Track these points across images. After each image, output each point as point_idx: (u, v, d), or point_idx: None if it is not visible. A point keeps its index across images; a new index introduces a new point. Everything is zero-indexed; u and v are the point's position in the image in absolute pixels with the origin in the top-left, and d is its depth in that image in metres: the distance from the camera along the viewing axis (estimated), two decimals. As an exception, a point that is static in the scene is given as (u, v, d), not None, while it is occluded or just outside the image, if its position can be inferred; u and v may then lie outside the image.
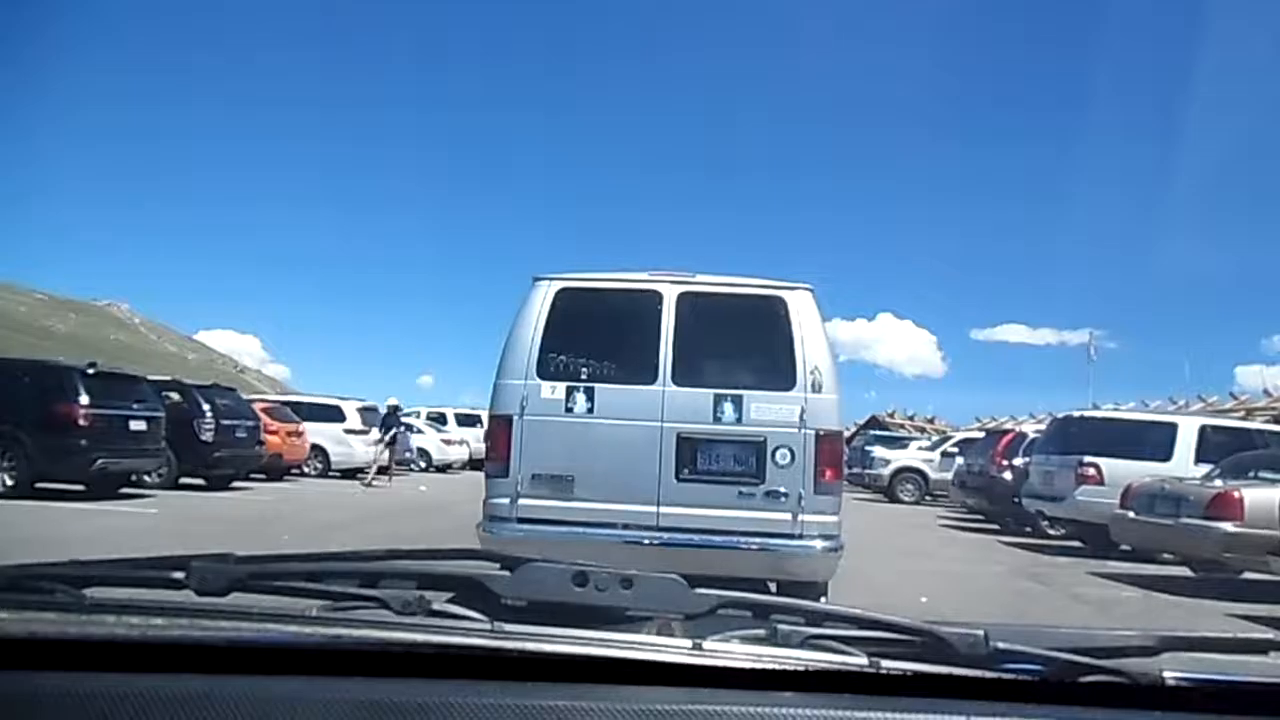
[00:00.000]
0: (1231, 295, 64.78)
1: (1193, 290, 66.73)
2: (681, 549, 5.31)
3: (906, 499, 21.46)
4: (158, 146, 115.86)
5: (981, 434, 20.50)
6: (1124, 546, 10.66)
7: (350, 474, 19.69)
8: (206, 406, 14.22)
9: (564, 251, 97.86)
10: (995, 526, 15.35)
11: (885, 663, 1.01)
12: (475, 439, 26.86)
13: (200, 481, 14.62)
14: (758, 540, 5.42)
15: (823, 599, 5.34)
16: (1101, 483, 11.76)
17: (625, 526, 5.40)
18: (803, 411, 5.51)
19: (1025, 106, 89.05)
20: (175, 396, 14.42)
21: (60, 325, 70.41)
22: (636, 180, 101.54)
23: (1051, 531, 13.65)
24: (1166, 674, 1.05)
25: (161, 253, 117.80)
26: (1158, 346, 58.86)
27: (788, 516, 5.44)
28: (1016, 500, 13.71)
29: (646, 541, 5.35)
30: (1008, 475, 14.69)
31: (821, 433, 5.51)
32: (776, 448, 5.52)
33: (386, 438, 18.70)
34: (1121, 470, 11.53)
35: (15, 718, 0.92)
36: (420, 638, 0.99)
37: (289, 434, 17.23)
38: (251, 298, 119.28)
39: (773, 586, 5.60)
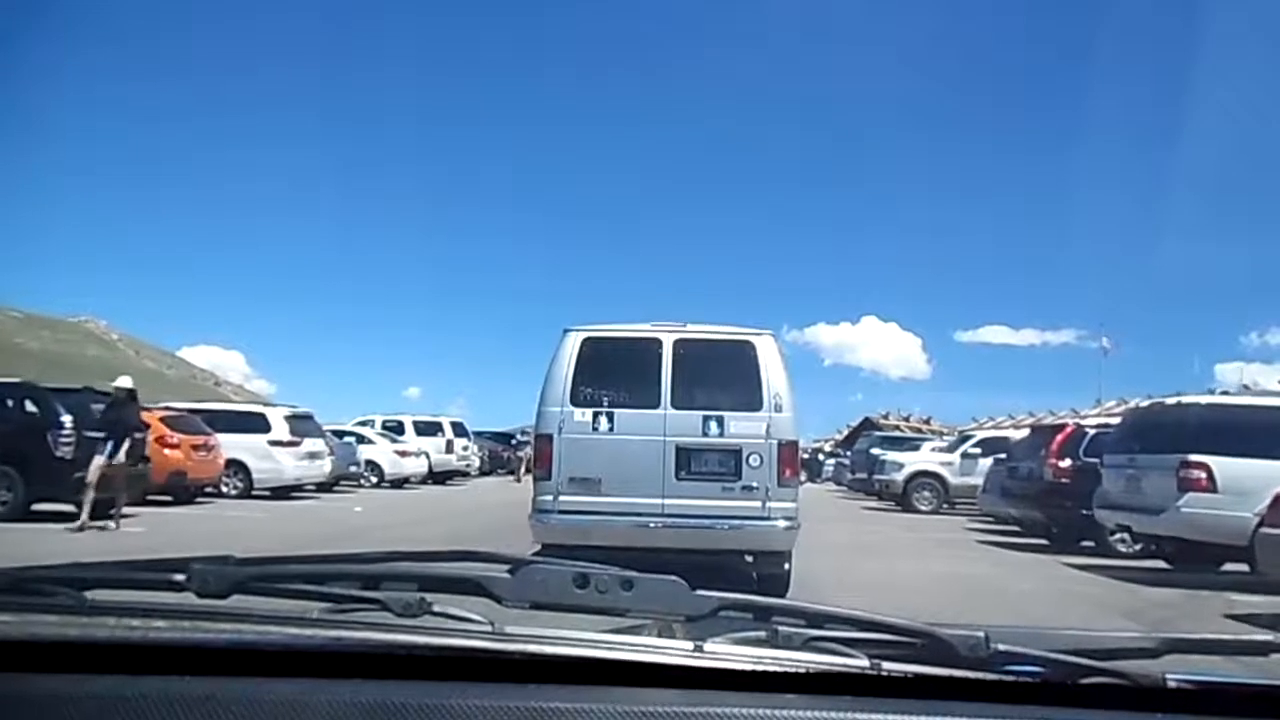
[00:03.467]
0: (1213, 293, 63.10)
1: (1174, 289, 65.67)
2: (681, 529, 7.04)
3: (923, 508, 18.56)
4: (143, 157, 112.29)
5: (1024, 431, 17.33)
6: (1229, 566, 9.29)
7: (281, 493, 16.15)
8: (67, 417, 10.74)
9: (557, 261, 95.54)
10: (1042, 541, 13.40)
11: (886, 664, 1.03)
12: (436, 450, 23.43)
13: (70, 508, 12.01)
14: (737, 521, 7.12)
15: (786, 566, 7.30)
16: (1214, 489, 9.43)
17: (639, 514, 7.09)
18: (768, 427, 7.18)
19: (1007, 109, 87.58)
20: (27, 404, 10.88)
21: (33, 343, 67.77)
22: (621, 191, 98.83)
23: (1121, 548, 11.69)
24: (1168, 676, 1.05)
25: (145, 269, 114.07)
26: (1141, 345, 56.80)
27: (758, 504, 7.11)
28: (1086, 512, 11.60)
29: (651, 525, 7.06)
30: (1066, 480, 12.63)
31: (782, 442, 7.20)
32: (749, 454, 7.17)
33: (109, 446, 11.45)
34: (1239, 472, 9.26)
35: None
36: (421, 640, 1.01)
37: (195, 447, 13.84)
38: (236, 313, 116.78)
39: (749, 559, 7.41)
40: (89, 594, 1.11)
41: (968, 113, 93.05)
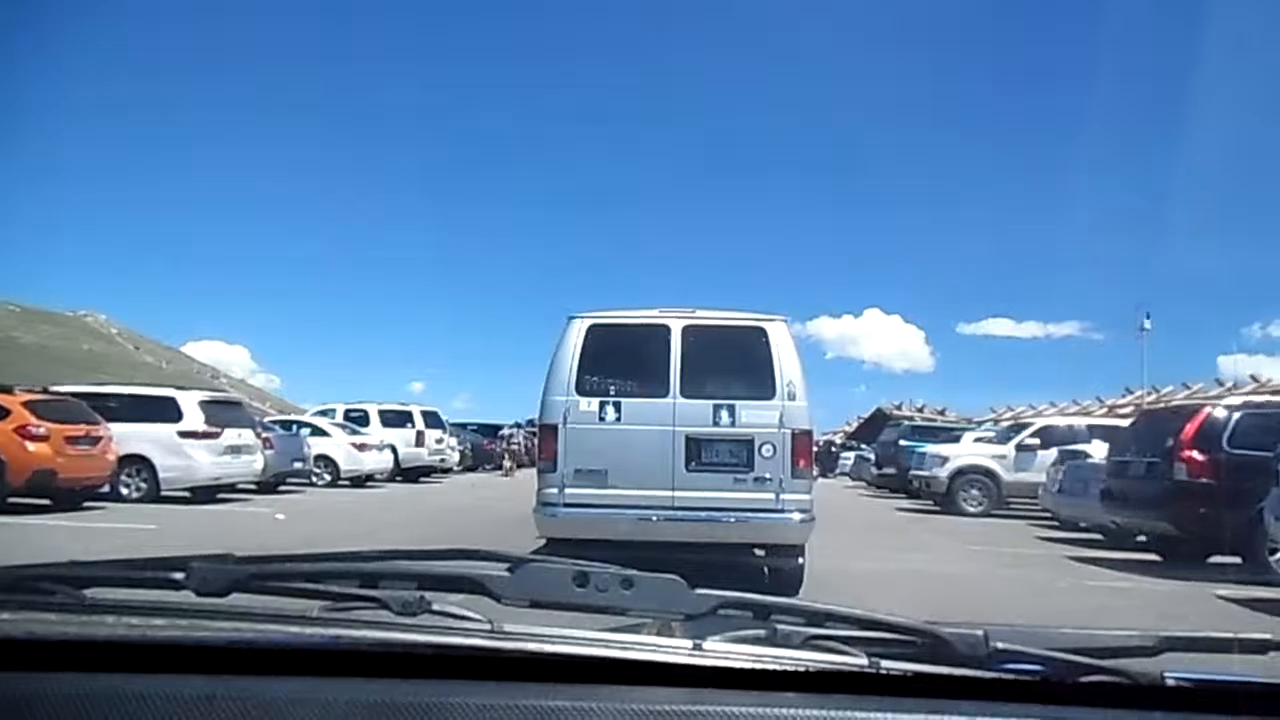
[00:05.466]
0: (1211, 287, 60.33)
1: (1175, 282, 62.74)
2: (691, 522, 6.81)
3: (971, 509, 15.20)
4: (147, 154, 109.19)
5: (1113, 419, 13.88)
6: None
7: (204, 495, 12.88)
8: None
9: (560, 255, 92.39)
10: (1148, 556, 10.59)
11: (885, 663, 1.02)
12: (405, 442, 19.95)
13: None
14: (749, 514, 6.88)
15: (800, 560, 6.98)
16: None
17: (647, 507, 6.85)
18: (781, 416, 6.90)
19: (1010, 102, 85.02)
20: None
21: (29, 336, 65.64)
22: (625, 184, 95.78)
23: (1289, 575, 9.85)
24: (1166, 674, 1.03)
25: (152, 265, 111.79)
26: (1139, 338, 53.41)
27: (772, 496, 6.85)
28: (1238, 520, 8.50)
29: (660, 518, 6.78)
30: (1206, 479, 9.24)
31: (796, 431, 6.94)
32: (762, 444, 6.87)
33: None
34: None
35: (16, 719, 0.93)
36: (420, 638, 1.00)
37: (71, 439, 10.33)
38: (241, 309, 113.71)
39: (760, 553, 7.15)
40: (88, 592, 1.10)
41: (970, 105, 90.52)
